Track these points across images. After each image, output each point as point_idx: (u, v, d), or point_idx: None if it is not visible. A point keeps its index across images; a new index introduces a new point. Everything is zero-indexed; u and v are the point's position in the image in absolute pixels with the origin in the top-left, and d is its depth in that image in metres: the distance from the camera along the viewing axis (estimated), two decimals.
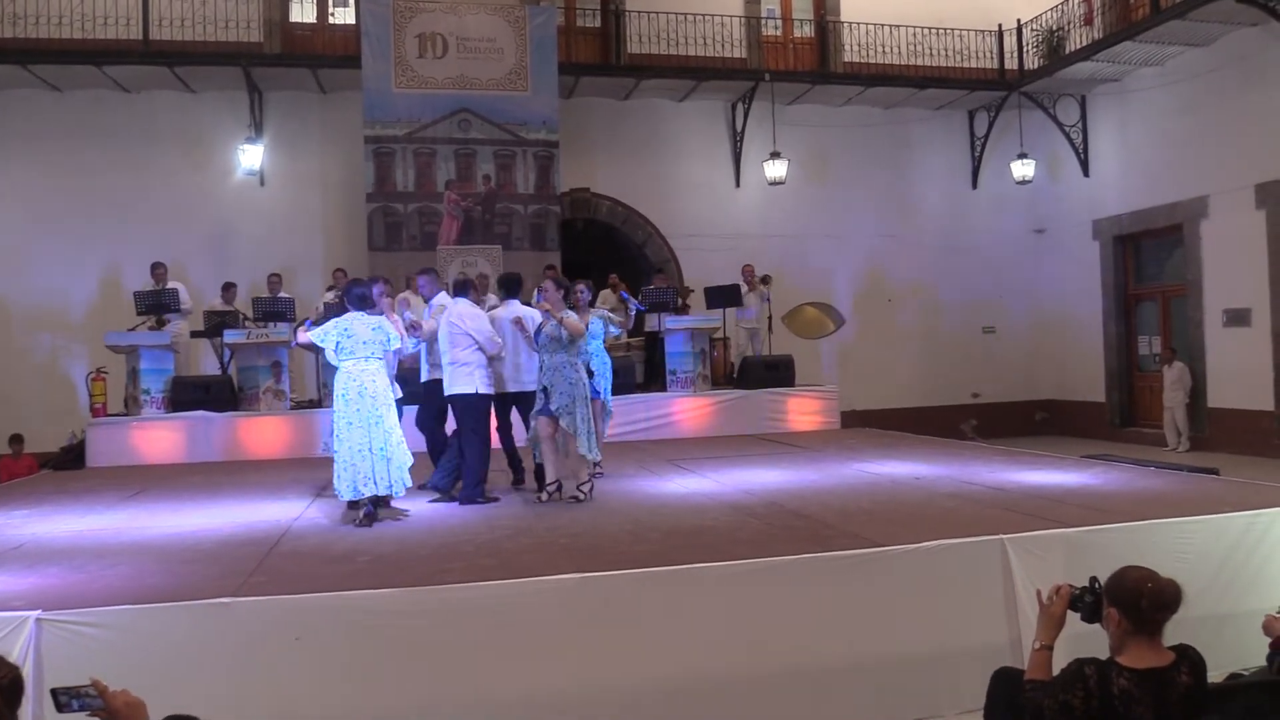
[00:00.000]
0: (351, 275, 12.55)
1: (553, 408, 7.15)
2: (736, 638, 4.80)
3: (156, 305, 11.78)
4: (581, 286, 8.19)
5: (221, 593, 4.56)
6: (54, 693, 2.46)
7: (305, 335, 7.07)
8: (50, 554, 5.81)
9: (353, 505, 6.70)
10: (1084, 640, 3.36)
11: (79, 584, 4.99)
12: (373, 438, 6.58)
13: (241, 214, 14.93)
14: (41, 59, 13.65)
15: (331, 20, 15.38)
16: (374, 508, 6.63)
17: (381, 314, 7.07)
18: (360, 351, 6.67)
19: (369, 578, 4.92)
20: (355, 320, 6.73)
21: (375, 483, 6.57)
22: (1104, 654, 3.01)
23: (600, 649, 4.65)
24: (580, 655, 4.62)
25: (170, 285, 12.15)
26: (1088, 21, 15.47)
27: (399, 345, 7.01)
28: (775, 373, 12.80)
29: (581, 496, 7.25)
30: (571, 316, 7.23)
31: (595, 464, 7.62)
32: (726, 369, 13.81)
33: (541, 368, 7.28)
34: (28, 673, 4.09)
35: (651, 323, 13.12)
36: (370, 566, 5.26)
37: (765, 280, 13.72)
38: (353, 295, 6.91)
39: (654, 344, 13.16)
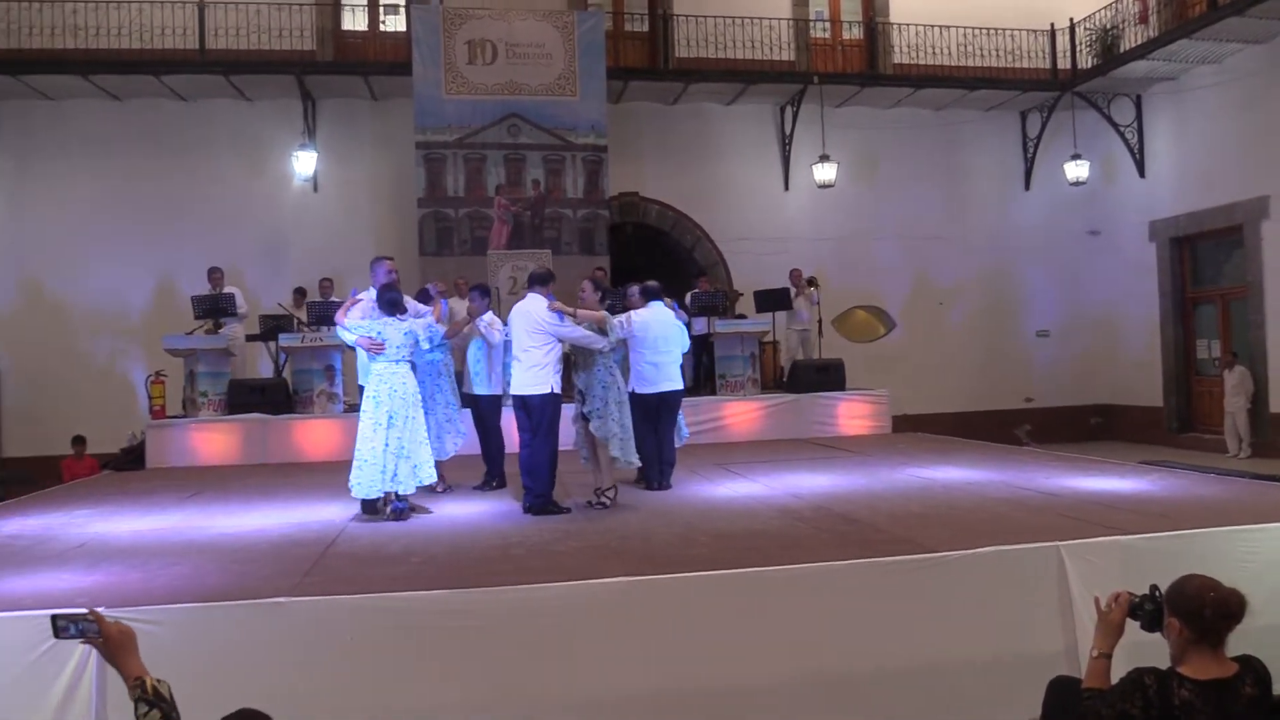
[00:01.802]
0: (402, 280, 12.72)
1: (585, 411, 7.15)
2: (786, 643, 4.78)
3: (213, 309, 12.00)
4: (634, 289, 8.31)
5: (277, 592, 4.64)
6: (54, 619, 2.59)
7: (344, 332, 7.13)
8: (112, 552, 5.95)
9: (368, 504, 6.96)
10: (1143, 649, 3.29)
11: (139, 582, 5.10)
12: (404, 438, 6.75)
13: (295, 219, 15.18)
14: (102, 69, 13.99)
15: (383, 28, 15.58)
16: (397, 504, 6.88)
17: (410, 316, 7.22)
18: (392, 355, 6.83)
19: (421, 579, 4.98)
20: (388, 325, 6.89)
21: (399, 480, 6.76)
22: (1164, 663, 2.95)
23: (649, 652, 4.65)
24: (629, 658, 4.63)
25: (226, 290, 12.36)
26: (1142, 20, 15.21)
27: (427, 347, 7.26)
28: (825, 376, 12.70)
29: (607, 503, 7.16)
30: (596, 313, 7.23)
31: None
32: (776, 373, 13.75)
33: (576, 370, 7.27)
34: (91, 668, 4.19)
35: (700, 326, 13.09)
36: (422, 568, 5.31)
37: (812, 282, 13.64)
38: (384, 300, 7.02)
39: (703, 348, 13.14)
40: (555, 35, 14.63)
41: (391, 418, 6.74)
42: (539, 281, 7.23)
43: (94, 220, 14.65)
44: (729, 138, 16.44)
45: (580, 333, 7.06)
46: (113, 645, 2.59)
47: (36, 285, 14.62)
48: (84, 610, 2.64)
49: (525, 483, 7.07)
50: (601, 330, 7.13)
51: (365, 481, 6.76)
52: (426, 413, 7.36)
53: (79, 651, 4.17)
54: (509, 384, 7.49)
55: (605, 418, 7.09)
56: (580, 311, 7.19)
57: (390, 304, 6.99)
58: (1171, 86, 15.55)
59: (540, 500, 7.00)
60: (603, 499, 7.18)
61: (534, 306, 7.05)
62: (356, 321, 7.01)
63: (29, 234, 14.60)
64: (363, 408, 6.86)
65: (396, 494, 6.83)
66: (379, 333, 6.84)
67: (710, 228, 16.31)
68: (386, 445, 6.70)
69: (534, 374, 6.98)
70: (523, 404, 7.11)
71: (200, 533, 6.64)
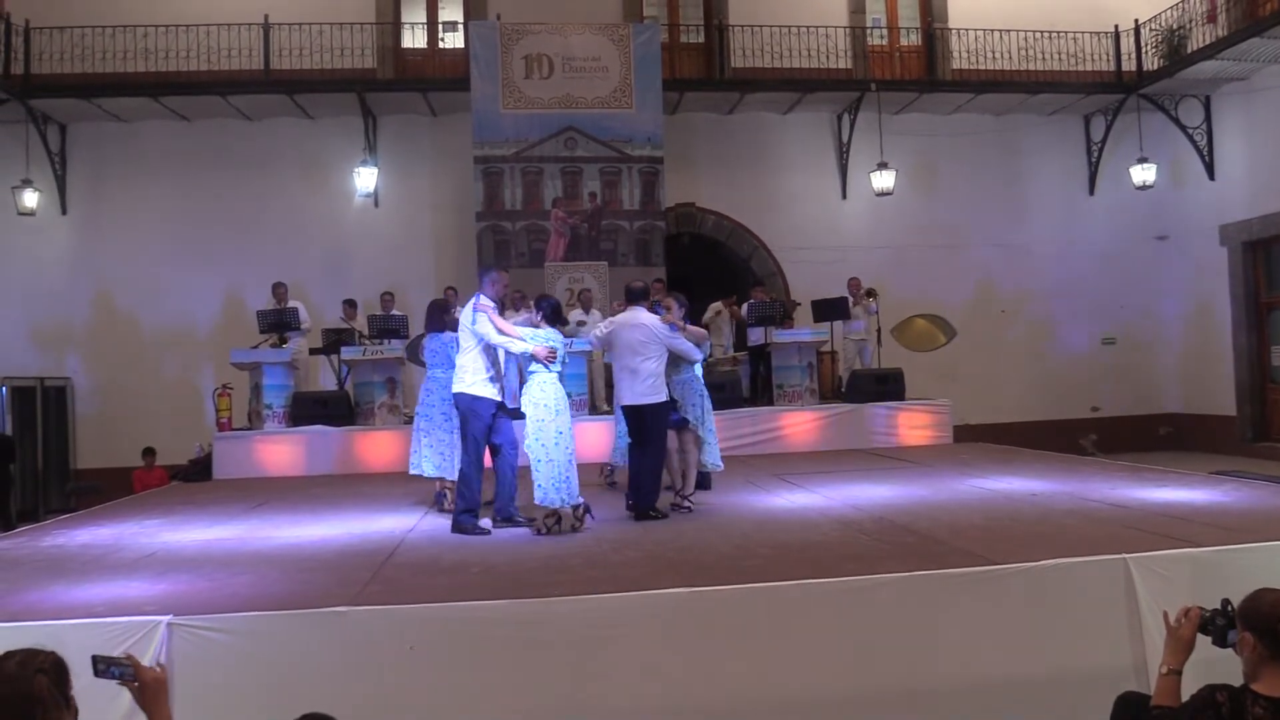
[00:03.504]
0: (461, 293, 12.86)
1: (690, 419, 7.45)
2: (845, 656, 4.73)
3: (278, 324, 12.24)
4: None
5: (339, 601, 4.70)
6: (94, 660, 2.69)
7: (512, 341, 6.76)
8: (180, 562, 6.08)
9: (547, 512, 6.78)
10: (1215, 665, 3.20)
11: (207, 591, 5.20)
12: (572, 448, 6.76)
13: (357, 234, 15.44)
14: (171, 90, 14.39)
15: (442, 45, 15.80)
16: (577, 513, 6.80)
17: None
18: (557, 364, 6.81)
19: (480, 589, 5.01)
20: (555, 335, 6.84)
21: (575, 489, 6.74)
22: (1237, 680, 2.87)
23: (706, 664, 4.63)
24: (686, 670, 4.61)
25: (290, 304, 12.60)
26: (1210, 19, 14.85)
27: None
28: (885, 386, 12.57)
29: (692, 507, 7.42)
30: (698, 330, 7.81)
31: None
32: (834, 382, 13.64)
33: (669, 382, 7.49)
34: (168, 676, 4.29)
35: (757, 336, 13.05)
36: (481, 578, 5.35)
37: (870, 293, 13.52)
38: (547, 307, 6.95)
39: (761, 358, 13.09)
40: (611, 48, 14.71)
41: (570, 427, 6.77)
42: (642, 296, 7.56)
43: (164, 238, 15.05)
44: (786, 147, 16.38)
45: (688, 345, 7.44)
46: (147, 691, 2.69)
47: (109, 301, 15.06)
48: (122, 655, 2.75)
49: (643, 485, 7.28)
50: (698, 344, 7.61)
51: (557, 490, 6.64)
52: (449, 429, 7.57)
53: (148, 656, 4.27)
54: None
55: (702, 425, 7.50)
56: (690, 327, 7.61)
57: (554, 310, 6.97)
58: (1242, 87, 15.17)
59: (649, 501, 7.21)
60: (687, 503, 7.44)
61: (646, 319, 7.30)
62: (534, 330, 6.83)
63: (102, 251, 15.05)
64: (537, 416, 6.64)
65: (586, 503, 6.84)
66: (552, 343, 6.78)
67: (767, 237, 16.25)
68: (570, 453, 6.70)
69: (650, 384, 7.18)
70: (636, 413, 7.25)
71: (265, 543, 6.76)
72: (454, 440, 7.65)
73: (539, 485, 6.61)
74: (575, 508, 6.75)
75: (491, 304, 7.03)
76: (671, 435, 7.49)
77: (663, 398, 7.21)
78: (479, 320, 6.85)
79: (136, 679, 2.68)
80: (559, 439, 6.62)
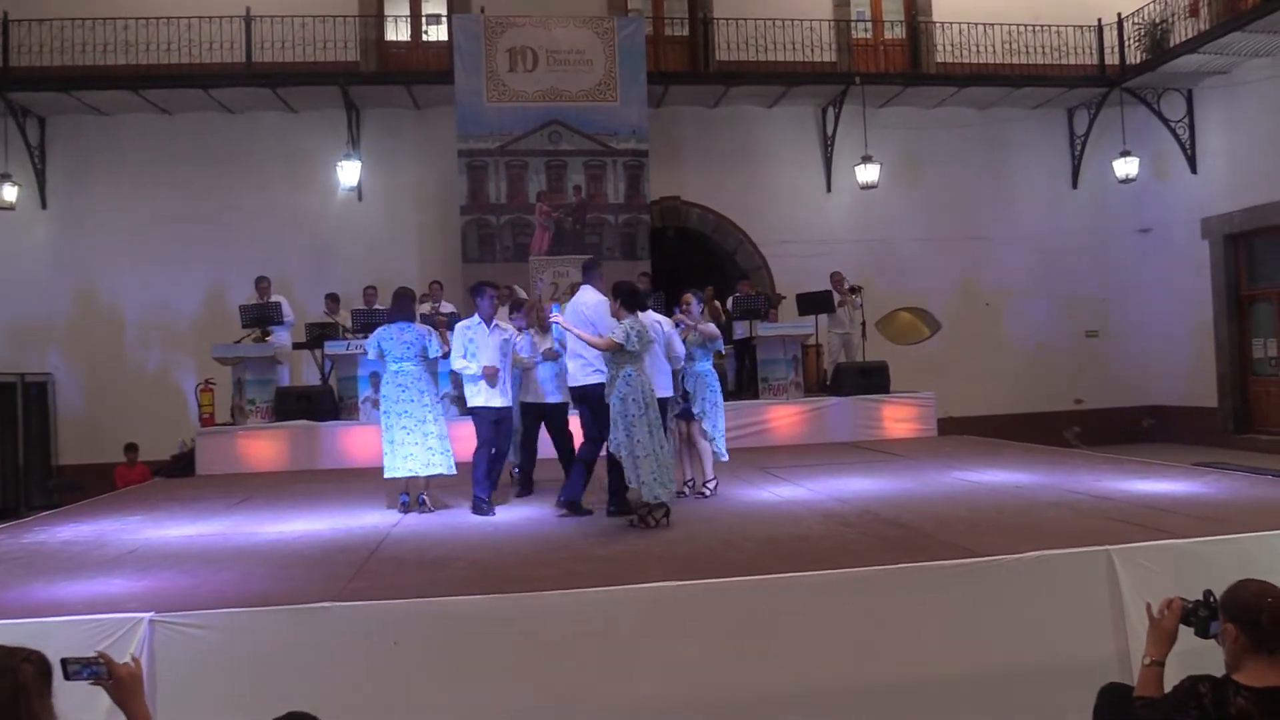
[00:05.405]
0: (446, 288, 12.83)
1: (696, 411, 7.70)
2: (830, 648, 4.73)
3: (261, 318, 12.16)
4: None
5: (323, 597, 4.67)
6: (64, 662, 2.60)
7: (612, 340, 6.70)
8: (163, 558, 6.04)
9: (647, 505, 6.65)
10: (1198, 656, 3.21)
11: (189, 587, 5.17)
12: (661, 440, 6.73)
13: (341, 228, 15.36)
14: (152, 83, 14.28)
15: (425, 38, 15.72)
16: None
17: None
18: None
19: (465, 584, 5.00)
20: (637, 324, 6.77)
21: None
22: (1219, 671, 2.88)
23: (692, 658, 4.63)
24: (671, 663, 4.61)
25: (274, 299, 12.51)
26: (1193, 13, 14.92)
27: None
28: (869, 379, 12.60)
29: (708, 494, 7.72)
30: (710, 327, 7.99)
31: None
32: (819, 376, 13.65)
33: (684, 375, 7.80)
34: (141, 673, 4.25)
35: (741, 330, 13.05)
36: (466, 573, 5.33)
37: (854, 290, 13.51)
38: (625, 292, 6.89)
39: (746, 351, 13.09)
40: (596, 41, 14.67)
41: (659, 420, 6.74)
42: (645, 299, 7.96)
43: (145, 232, 14.94)
44: (770, 140, 16.37)
45: (682, 348, 7.79)
46: (122, 688, 2.63)
47: (90, 296, 14.95)
48: (93, 654, 2.67)
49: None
50: (711, 341, 7.99)
51: (660, 484, 6.55)
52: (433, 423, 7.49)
53: (128, 654, 4.23)
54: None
55: (707, 419, 7.74)
56: (703, 326, 7.93)
57: (633, 293, 6.90)
58: (1223, 80, 15.24)
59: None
60: (703, 489, 7.76)
61: (659, 317, 7.71)
62: (621, 333, 6.66)
63: (83, 246, 14.93)
64: (625, 411, 6.55)
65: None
66: (641, 333, 6.70)
67: (752, 231, 16.25)
68: (661, 448, 6.61)
69: (668, 376, 7.59)
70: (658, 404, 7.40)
71: (248, 538, 6.73)
72: (435, 433, 7.50)
73: (643, 482, 6.51)
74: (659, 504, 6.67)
75: (598, 300, 7.24)
76: (684, 425, 7.90)
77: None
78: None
79: (110, 676, 2.62)
80: (653, 431, 6.59)
